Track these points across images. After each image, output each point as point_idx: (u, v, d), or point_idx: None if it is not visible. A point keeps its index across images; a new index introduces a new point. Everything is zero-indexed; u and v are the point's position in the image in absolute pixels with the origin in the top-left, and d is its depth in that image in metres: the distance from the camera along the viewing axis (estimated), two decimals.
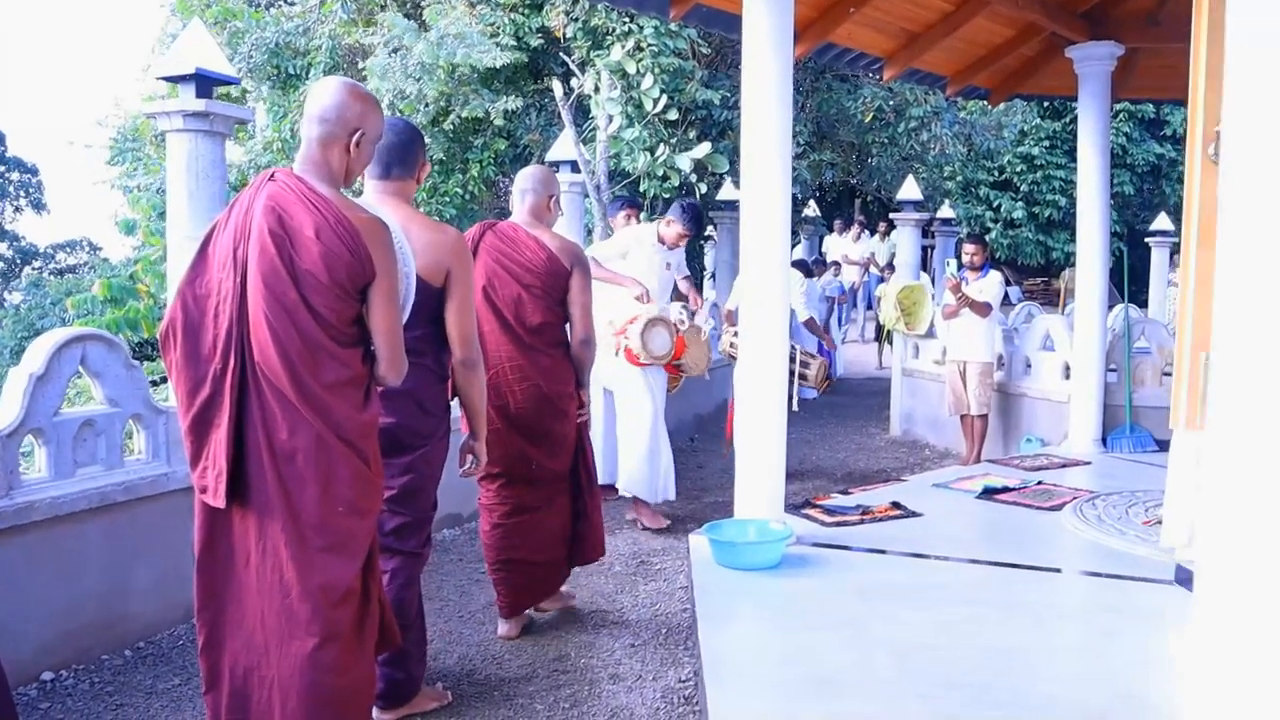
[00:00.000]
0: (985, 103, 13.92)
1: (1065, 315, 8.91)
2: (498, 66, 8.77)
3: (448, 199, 9.72)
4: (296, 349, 2.42)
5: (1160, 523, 4.83)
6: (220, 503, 2.45)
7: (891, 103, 10.45)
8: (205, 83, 4.45)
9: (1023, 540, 4.73)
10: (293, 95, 10.37)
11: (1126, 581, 4.01)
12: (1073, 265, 19.56)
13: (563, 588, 4.26)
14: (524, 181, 4.08)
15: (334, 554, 2.52)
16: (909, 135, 10.73)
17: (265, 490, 2.47)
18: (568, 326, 4.06)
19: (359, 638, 2.61)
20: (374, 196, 3.12)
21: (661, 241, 6.01)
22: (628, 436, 5.76)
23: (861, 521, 4.89)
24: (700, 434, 8.44)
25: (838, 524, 4.83)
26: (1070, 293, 18.04)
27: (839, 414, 10.12)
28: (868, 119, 10.35)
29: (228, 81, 4.63)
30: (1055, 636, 3.44)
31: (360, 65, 9.95)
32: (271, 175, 2.53)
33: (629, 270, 5.85)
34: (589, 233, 7.96)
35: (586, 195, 7.22)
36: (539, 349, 3.94)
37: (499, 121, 8.95)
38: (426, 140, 9.29)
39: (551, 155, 7.41)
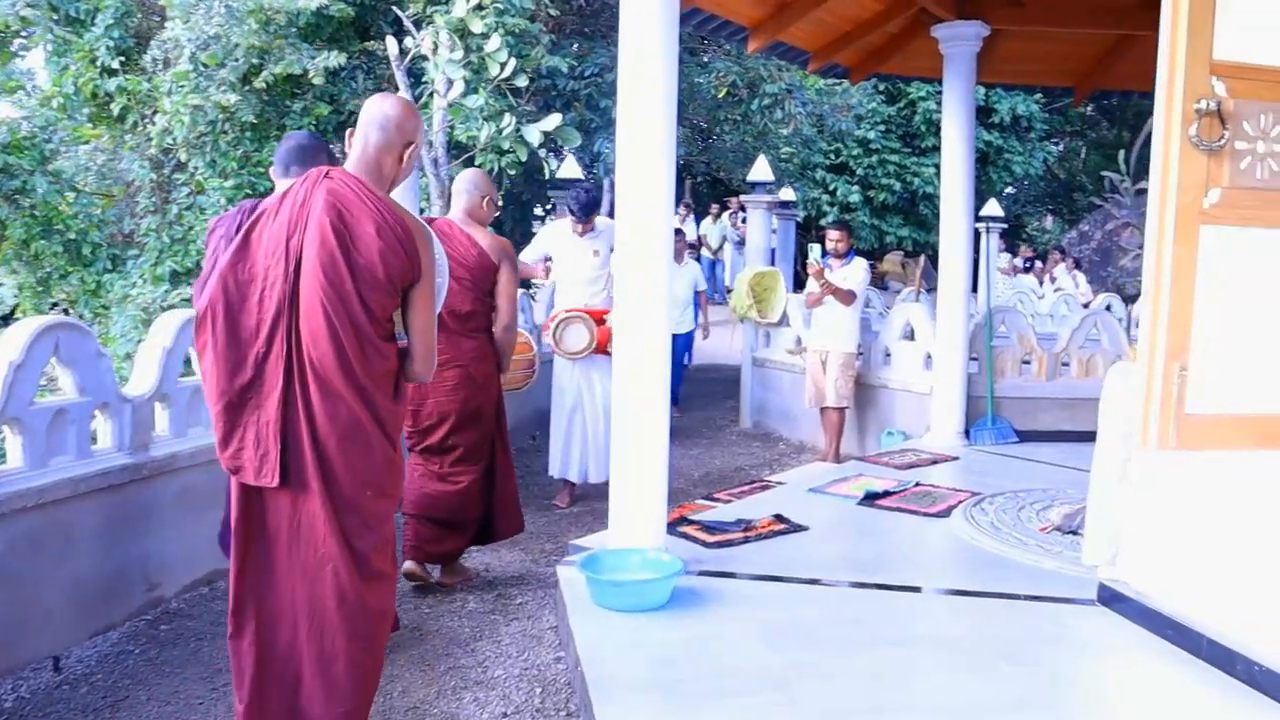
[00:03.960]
0: (831, 83, 13.87)
1: (917, 302, 8.75)
2: (319, 18, 7.85)
3: (262, 169, 8.67)
4: (349, 338, 2.57)
5: (1058, 529, 4.60)
6: (273, 481, 2.55)
7: (745, 79, 10.05)
8: None
9: (923, 557, 4.38)
10: (76, 44, 9.03)
11: (1052, 605, 3.66)
12: (899, 250, 20.03)
13: (466, 564, 4.57)
14: (460, 183, 4.50)
15: (364, 531, 2.65)
16: (763, 113, 10.37)
17: (304, 471, 2.57)
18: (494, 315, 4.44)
19: (383, 612, 2.74)
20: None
21: (577, 232, 6.05)
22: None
23: (746, 540, 4.42)
24: (542, 432, 7.80)
25: (720, 544, 4.33)
26: (898, 277, 18.39)
27: (682, 404, 9.67)
28: (722, 94, 9.92)
29: None
30: (1013, 685, 3.01)
31: (161, 3, 8.74)
32: (327, 173, 2.67)
33: (557, 265, 6.16)
34: (421, 212, 7.19)
35: (422, 169, 6.45)
36: (466, 334, 4.35)
37: (319, 81, 7.99)
38: (236, 100, 8.33)
39: None
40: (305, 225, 2.58)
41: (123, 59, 8.86)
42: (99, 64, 8.70)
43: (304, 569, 2.61)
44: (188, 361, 4.55)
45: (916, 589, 3.87)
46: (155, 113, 8.43)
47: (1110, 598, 3.58)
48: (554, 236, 6.29)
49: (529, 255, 6.37)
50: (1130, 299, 14.49)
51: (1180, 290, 2.96)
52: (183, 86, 8.13)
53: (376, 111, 2.74)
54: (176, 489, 4.25)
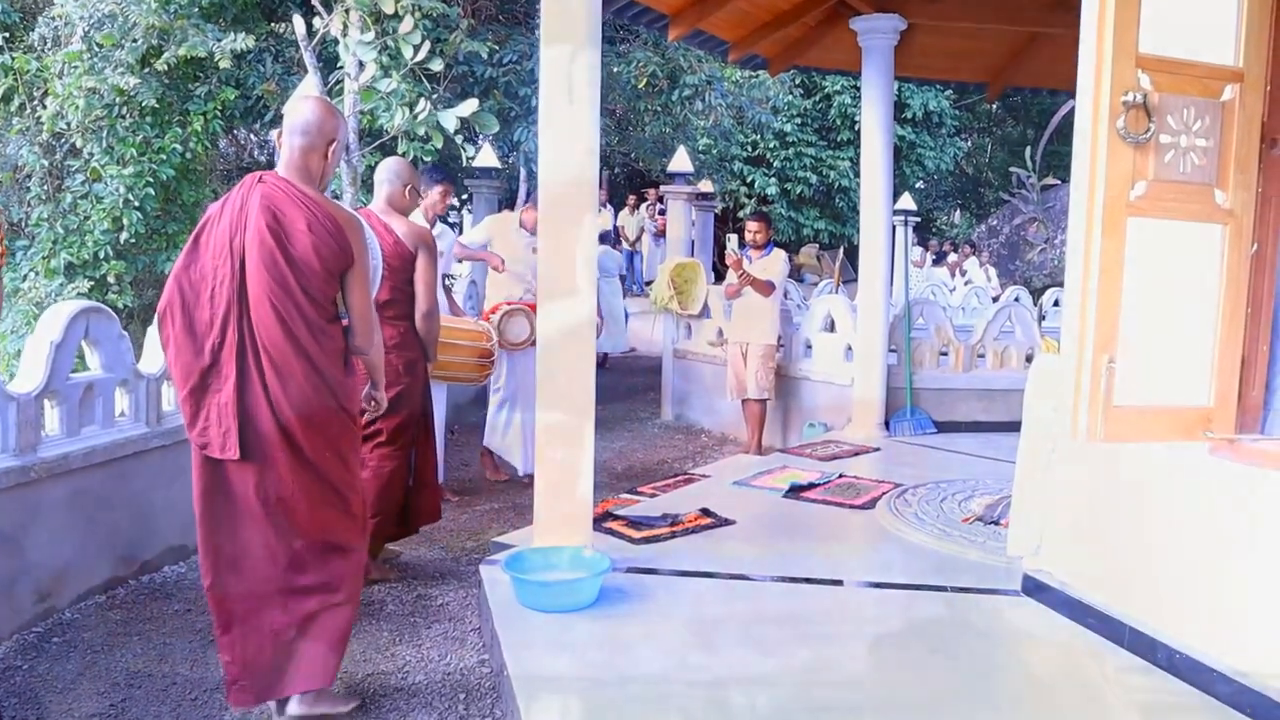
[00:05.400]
0: (749, 75, 13.85)
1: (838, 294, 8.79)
2: None
3: (164, 157, 8.27)
4: (296, 323, 2.88)
5: (980, 520, 4.63)
6: (234, 454, 2.84)
7: (665, 69, 9.96)
8: None
9: (849, 550, 4.35)
10: None
11: (977, 596, 3.67)
12: (815, 243, 20.21)
13: (385, 560, 4.51)
14: (381, 172, 4.49)
15: (332, 497, 2.99)
16: (683, 104, 10.30)
17: (265, 445, 2.87)
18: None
19: (355, 566, 3.05)
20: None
21: (523, 227, 6.25)
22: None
23: (673, 535, 4.35)
24: (460, 425, 7.63)
25: (647, 539, 4.25)
26: (814, 269, 18.54)
27: (603, 396, 9.56)
28: (641, 84, 9.81)
29: None
30: (943, 678, 2.99)
31: None
32: (260, 178, 2.96)
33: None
34: (335, 199, 6.92)
35: None
36: (385, 321, 4.19)
37: (225, 65, 7.62)
38: (135, 83, 7.92)
39: (286, 108, 6.41)
40: (245, 226, 2.88)
41: (6, 35, 8.37)
42: None
43: (271, 535, 2.90)
44: (81, 357, 4.31)
45: (843, 583, 3.86)
46: (46, 95, 7.97)
47: (1035, 588, 3.60)
48: (498, 227, 6.54)
49: (473, 237, 6.63)
50: (1037, 292, 14.87)
51: (1108, 283, 2.97)
52: (76, 67, 7.69)
53: (298, 117, 3.05)
54: (68, 491, 3.99)
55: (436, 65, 6.20)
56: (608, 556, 3.67)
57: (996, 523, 4.49)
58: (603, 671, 2.99)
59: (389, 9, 5.84)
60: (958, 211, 25.87)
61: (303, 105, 3.11)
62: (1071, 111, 3.32)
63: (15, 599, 3.74)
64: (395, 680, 3.34)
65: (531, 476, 5.11)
